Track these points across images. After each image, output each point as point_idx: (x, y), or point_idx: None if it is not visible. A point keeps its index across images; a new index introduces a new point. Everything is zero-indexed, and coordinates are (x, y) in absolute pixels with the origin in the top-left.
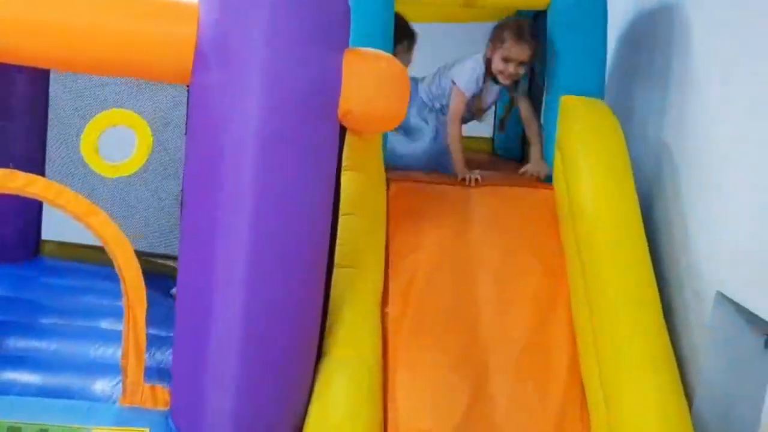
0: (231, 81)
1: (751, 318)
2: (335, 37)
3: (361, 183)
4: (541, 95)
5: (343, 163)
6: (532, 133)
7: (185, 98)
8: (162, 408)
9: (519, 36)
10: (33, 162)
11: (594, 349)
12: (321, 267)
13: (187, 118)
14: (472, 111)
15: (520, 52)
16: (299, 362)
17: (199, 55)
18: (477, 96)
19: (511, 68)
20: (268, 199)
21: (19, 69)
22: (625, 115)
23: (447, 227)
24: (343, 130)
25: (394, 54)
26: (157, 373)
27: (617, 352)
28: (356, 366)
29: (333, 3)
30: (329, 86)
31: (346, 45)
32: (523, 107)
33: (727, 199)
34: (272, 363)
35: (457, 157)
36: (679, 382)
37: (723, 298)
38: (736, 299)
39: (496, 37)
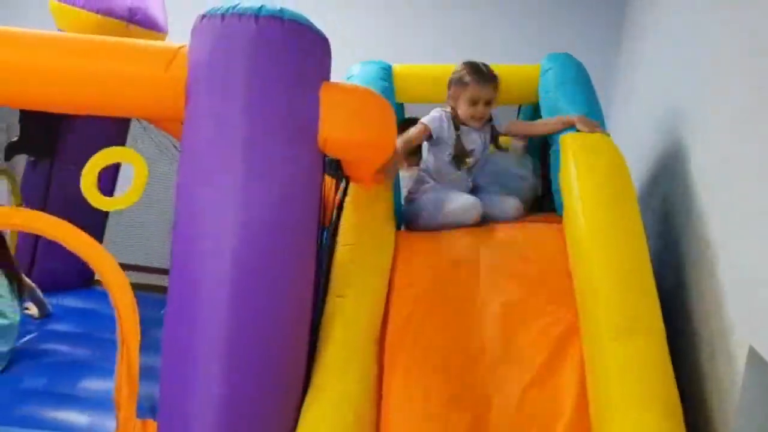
0: (218, 110)
1: None
2: (313, 71)
3: (364, 217)
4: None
5: (346, 200)
6: (538, 127)
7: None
8: None
9: (480, 77)
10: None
11: (595, 387)
12: (307, 293)
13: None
14: (456, 154)
15: (485, 91)
16: (284, 394)
17: (190, 91)
18: (457, 140)
19: (480, 109)
20: (252, 221)
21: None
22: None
23: (453, 265)
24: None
25: None
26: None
27: (610, 391)
28: (341, 400)
29: (309, 38)
30: (308, 116)
31: (326, 78)
32: (515, 128)
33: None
34: (256, 394)
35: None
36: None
37: (755, 355)
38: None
39: (456, 83)
